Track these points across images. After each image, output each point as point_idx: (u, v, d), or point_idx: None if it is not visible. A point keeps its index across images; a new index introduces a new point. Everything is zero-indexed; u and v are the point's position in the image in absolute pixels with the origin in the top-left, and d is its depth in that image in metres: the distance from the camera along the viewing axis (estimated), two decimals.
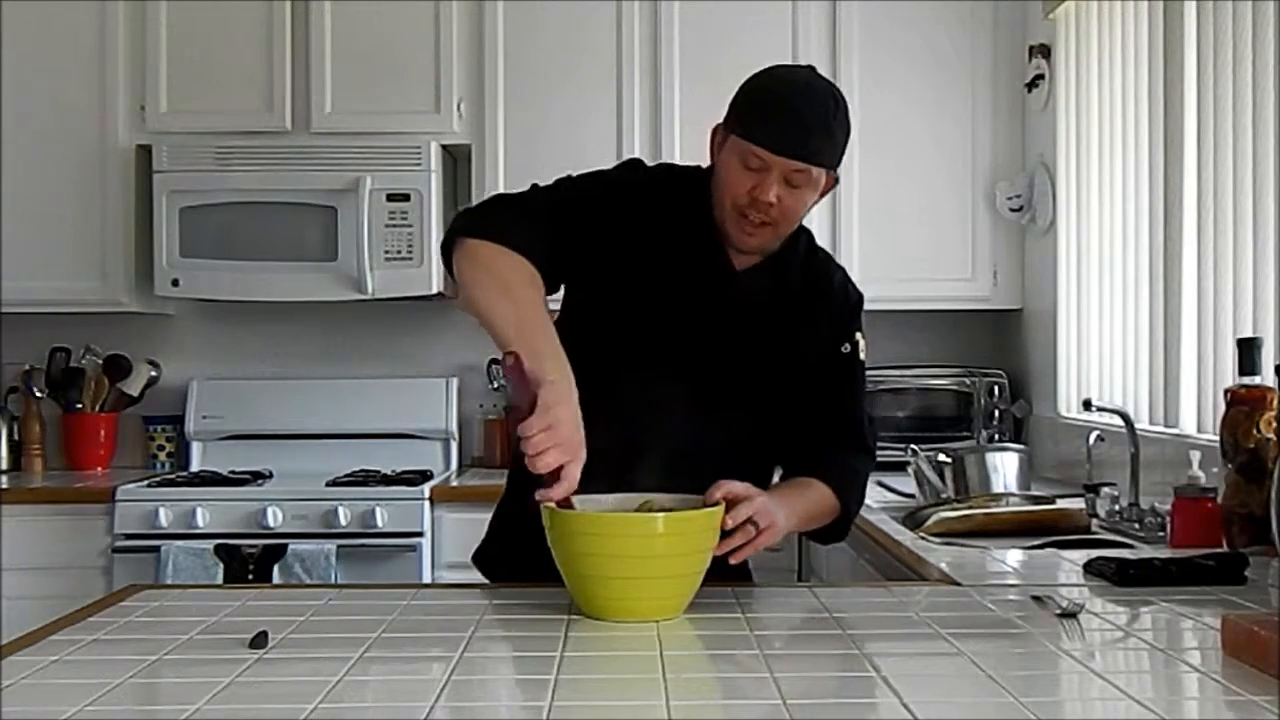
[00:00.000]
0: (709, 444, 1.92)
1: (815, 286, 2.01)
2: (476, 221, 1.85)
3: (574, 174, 1.97)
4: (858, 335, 2.04)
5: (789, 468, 2.01)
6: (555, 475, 1.61)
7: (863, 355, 2.05)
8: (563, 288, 1.96)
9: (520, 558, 1.79)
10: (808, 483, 1.94)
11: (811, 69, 1.90)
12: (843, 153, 1.88)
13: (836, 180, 1.91)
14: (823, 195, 1.90)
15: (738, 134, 1.84)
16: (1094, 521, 2.72)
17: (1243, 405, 2.22)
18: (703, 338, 1.93)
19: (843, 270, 2.10)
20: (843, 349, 2.02)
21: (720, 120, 1.90)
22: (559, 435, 1.60)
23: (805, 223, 2.01)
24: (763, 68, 1.90)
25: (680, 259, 1.93)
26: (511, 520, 1.98)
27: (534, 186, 1.95)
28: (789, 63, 1.90)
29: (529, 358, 1.63)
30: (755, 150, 1.81)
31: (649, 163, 2.03)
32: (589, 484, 1.69)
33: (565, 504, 1.65)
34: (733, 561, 1.74)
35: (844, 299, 2.05)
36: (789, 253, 1.98)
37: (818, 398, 2.01)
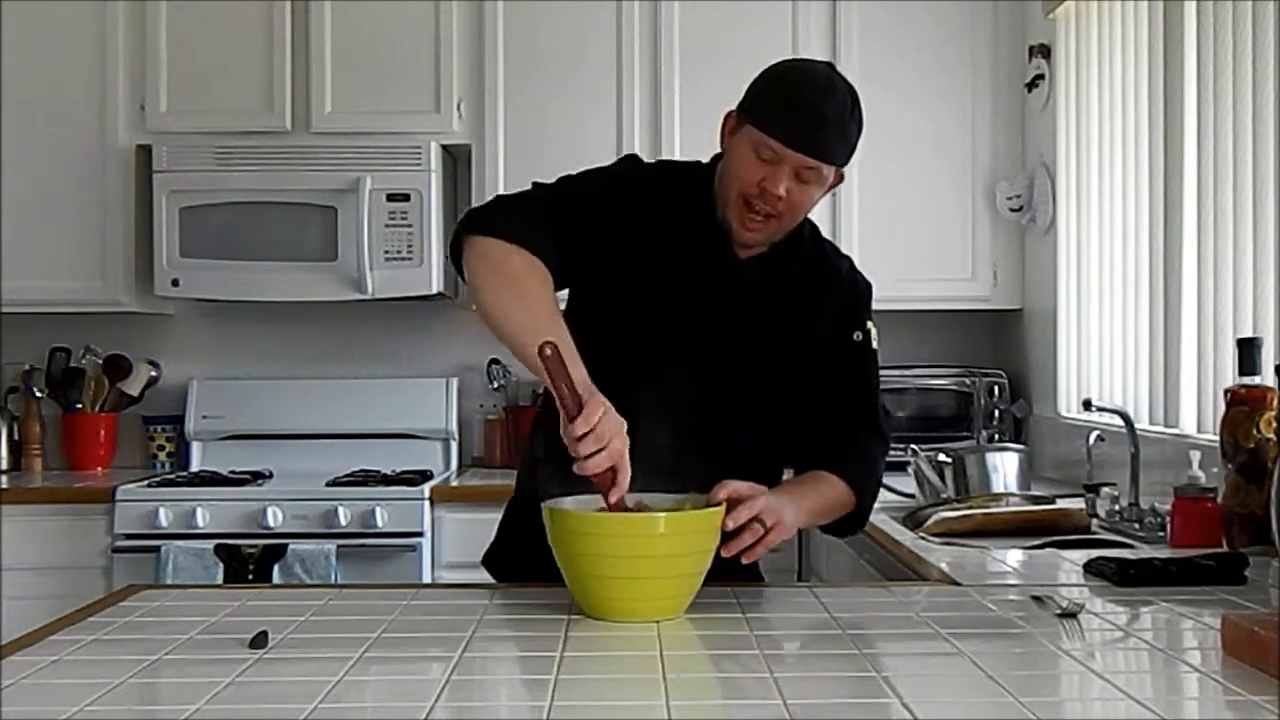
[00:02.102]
0: (718, 433, 1.92)
1: (821, 275, 2.00)
2: (485, 220, 1.85)
3: (572, 173, 1.97)
4: (869, 324, 2.03)
5: (804, 460, 1.98)
6: (603, 478, 1.63)
7: (875, 345, 2.03)
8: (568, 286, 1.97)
9: (529, 559, 1.78)
10: (821, 476, 1.93)
11: (830, 65, 1.90)
12: (853, 151, 1.87)
13: (842, 178, 1.90)
14: (827, 191, 1.90)
15: (753, 123, 1.82)
16: (1094, 521, 2.72)
17: (1243, 405, 2.22)
18: (708, 326, 1.93)
19: (849, 259, 2.09)
20: (854, 337, 2.00)
21: (729, 109, 1.88)
22: (605, 442, 1.60)
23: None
24: (781, 59, 1.90)
25: (683, 249, 1.92)
26: (521, 522, 1.96)
27: (535, 185, 1.94)
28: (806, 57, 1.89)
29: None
30: (769, 142, 1.79)
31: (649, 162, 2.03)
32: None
33: (620, 505, 1.65)
34: (745, 560, 1.73)
35: (851, 287, 2.03)
36: (793, 242, 1.97)
37: (831, 388, 1.99)
